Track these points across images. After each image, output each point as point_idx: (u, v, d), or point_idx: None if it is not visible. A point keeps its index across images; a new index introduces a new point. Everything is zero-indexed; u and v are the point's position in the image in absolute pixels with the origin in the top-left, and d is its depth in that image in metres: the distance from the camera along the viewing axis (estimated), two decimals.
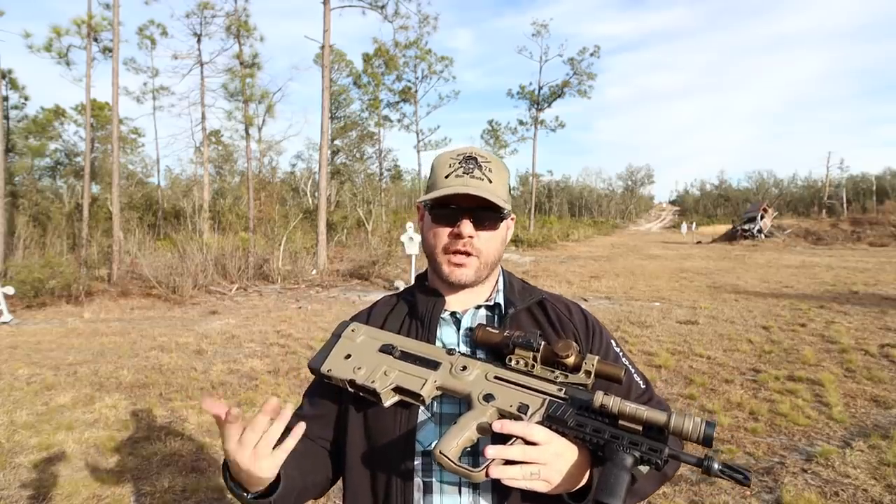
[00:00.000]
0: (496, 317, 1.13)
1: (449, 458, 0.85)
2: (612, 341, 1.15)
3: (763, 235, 29.23)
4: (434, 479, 1.00)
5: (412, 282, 1.24)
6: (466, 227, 1.04)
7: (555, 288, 12.69)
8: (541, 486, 0.85)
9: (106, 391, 5.42)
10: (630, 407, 0.83)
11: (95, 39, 16.66)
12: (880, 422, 4.46)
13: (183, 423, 4.60)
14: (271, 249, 15.55)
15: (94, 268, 14.48)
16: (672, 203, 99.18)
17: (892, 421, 4.46)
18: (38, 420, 4.67)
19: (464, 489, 0.99)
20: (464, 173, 1.05)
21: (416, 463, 1.00)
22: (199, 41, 23.65)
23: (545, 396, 0.92)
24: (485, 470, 0.83)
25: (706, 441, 0.80)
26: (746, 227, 29.91)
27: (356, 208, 27.81)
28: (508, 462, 0.84)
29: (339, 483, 1.15)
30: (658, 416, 0.82)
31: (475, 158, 1.08)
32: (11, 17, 23.19)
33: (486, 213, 1.06)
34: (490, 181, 1.06)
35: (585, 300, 11.03)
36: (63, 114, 28.53)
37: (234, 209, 26.77)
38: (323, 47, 16.13)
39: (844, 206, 54.14)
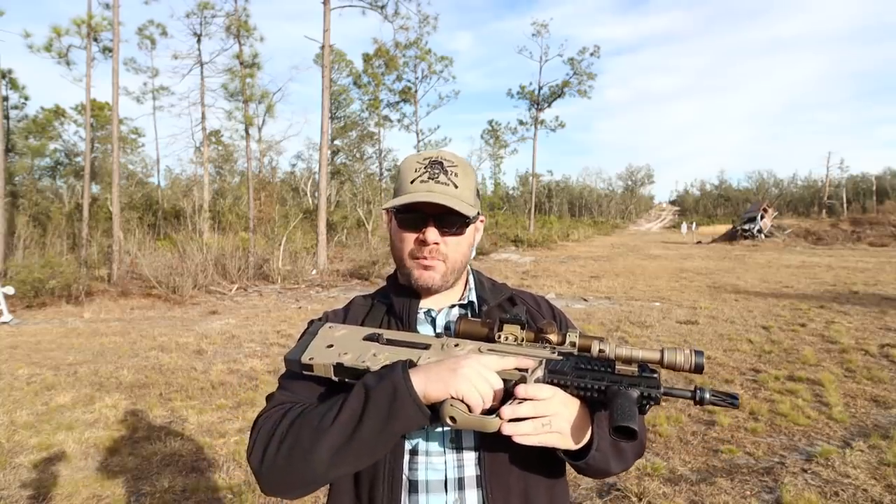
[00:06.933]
0: (469, 315, 1.15)
1: (461, 409, 0.85)
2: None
3: (763, 235, 29.21)
4: (419, 478, 1.00)
5: None
6: (432, 233, 1.05)
7: (555, 288, 12.70)
8: (553, 439, 0.89)
9: (106, 391, 5.42)
10: (626, 349, 0.90)
11: (95, 39, 16.65)
12: (880, 422, 4.46)
13: (183, 423, 4.60)
14: (271, 249, 15.56)
15: (94, 268, 14.50)
16: (672, 203, 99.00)
17: (892, 421, 4.46)
18: (38, 420, 4.67)
19: (449, 487, 1.00)
20: (429, 178, 1.06)
21: (402, 461, 1.00)
22: (199, 41, 23.69)
23: (542, 357, 0.96)
24: (498, 418, 0.86)
25: (697, 368, 0.87)
26: (746, 227, 29.88)
27: (356, 208, 27.82)
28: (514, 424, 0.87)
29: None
30: (652, 354, 0.89)
31: (441, 163, 1.07)
32: (11, 18, 23.33)
33: (451, 219, 1.06)
34: (455, 186, 1.06)
35: (585, 300, 11.03)
36: (63, 114, 28.53)
37: (234, 209, 26.76)
38: (323, 47, 16.14)
39: (844, 206, 54.14)
